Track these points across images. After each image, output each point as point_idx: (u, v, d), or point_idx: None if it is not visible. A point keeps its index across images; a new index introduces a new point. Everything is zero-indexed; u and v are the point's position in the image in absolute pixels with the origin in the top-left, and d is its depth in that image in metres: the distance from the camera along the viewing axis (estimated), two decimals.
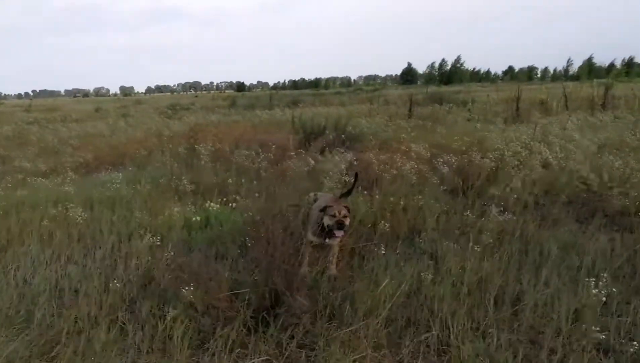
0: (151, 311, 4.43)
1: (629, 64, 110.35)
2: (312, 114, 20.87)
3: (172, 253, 5.52)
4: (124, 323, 4.38)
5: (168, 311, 4.24)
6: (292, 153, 11.32)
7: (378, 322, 4.09)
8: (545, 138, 10.39)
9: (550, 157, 8.45)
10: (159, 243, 5.79)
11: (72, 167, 11.14)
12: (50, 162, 12.15)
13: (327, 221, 5.01)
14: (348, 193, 6.01)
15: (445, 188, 7.69)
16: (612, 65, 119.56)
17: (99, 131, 18.69)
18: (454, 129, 14.46)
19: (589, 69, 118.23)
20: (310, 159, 9.80)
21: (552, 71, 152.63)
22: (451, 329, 4.06)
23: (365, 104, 30.79)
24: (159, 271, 5.25)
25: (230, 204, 7.47)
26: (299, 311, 4.01)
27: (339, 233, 4.96)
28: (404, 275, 4.79)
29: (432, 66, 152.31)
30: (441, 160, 8.65)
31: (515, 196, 7.21)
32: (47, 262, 5.65)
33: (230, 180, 8.94)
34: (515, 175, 7.75)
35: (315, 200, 5.83)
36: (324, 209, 5.08)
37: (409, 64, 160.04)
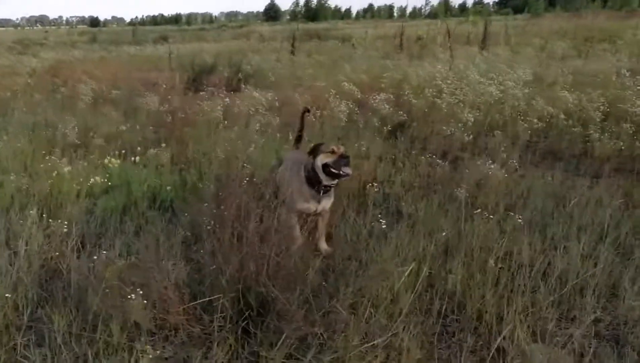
0: (68, 330, 3.03)
1: (480, 2, 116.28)
2: (193, 50, 19.08)
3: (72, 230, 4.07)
4: (26, 348, 2.97)
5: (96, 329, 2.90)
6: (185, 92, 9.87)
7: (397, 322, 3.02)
8: (465, 73, 9.65)
9: (494, 92, 7.66)
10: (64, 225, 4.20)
11: None
12: None
13: (323, 160, 3.77)
14: (300, 137, 4.80)
15: (390, 128, 6.66)
16: (464, 4, 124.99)
17: None
18: (355, 65, 13.48)
19: (446, 8, 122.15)
20: (226, 99, 8.31)
21: (410, 10, 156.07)
22: (487, 322, 3.13)
23: (240, 40, 29.12)
24: (62, 259, 3.82)
25: (133, 159, 5.99)
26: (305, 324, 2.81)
27: (347, 170, 3.77)
28: (399, 248, 3.75)
29: (296, 2, 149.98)
30: (379, 98, 7.60)
31: (470, 137, 6.38)
32: None
33: (123, 127, 7.33)
34: (461, 113, 6.89)
35: (280, 164, 4.53)
36: (314, 151, 3.86)
37: (272, 0, 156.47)
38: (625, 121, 6.62)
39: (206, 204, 3.56)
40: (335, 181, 3.83)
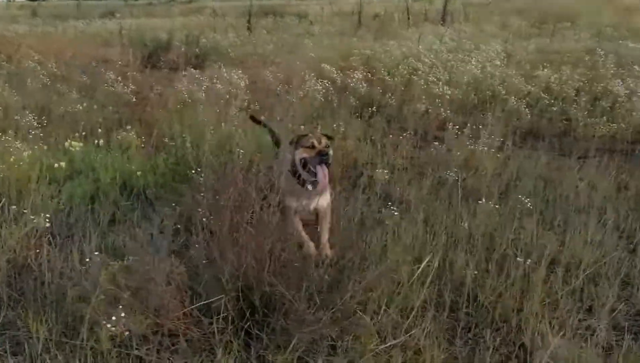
0: (49, 337, 2.68)
1: None
2: (144, 25, 18.32)
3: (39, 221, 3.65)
4: (1, 357, 2.62)
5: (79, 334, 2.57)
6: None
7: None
8: (435, 50, 9.45)
9: (474, 70, 7.48)
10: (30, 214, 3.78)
11: None
12: None
13: (301, 155, 3.42)
14: (277, 140, 4.41)
15: (369, 109, 6.42)
16: None
17: None
18: (316, 42, 13.15)
19: None
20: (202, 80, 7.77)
21: None
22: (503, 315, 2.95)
23: (192, 15, 28.15)
24: (30, 252, 3.44)
25: (96, 142, 5.54)
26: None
27: (323, 170, 3.36)
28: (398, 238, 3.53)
29: None
30: (356, 77, 7.31)
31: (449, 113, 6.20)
32: None
33: (80, 106, 6.81)
34: (438, 92, 6.70)
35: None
36: (295, 142, 3.51)
37: None
38: (604, 100, 6.59)
39: (202, 194, 3.21)
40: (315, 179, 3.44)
